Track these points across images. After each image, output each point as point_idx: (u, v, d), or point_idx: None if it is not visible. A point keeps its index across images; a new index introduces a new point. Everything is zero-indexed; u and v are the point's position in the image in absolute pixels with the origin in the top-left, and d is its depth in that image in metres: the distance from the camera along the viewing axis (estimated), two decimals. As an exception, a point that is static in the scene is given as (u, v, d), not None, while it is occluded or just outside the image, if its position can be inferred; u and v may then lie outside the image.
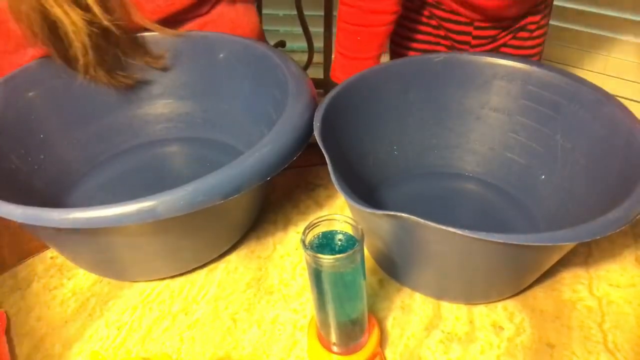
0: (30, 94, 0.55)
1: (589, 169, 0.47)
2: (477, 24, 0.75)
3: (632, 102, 1.14)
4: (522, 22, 0.77)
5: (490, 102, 0.53)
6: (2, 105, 0.52)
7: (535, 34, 0.79)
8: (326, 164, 0.40)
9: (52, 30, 0.52)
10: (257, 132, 0.57)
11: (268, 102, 0.55)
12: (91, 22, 0.52)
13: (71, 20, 0.51)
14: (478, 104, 0.54)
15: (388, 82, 0.53)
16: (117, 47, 0.56)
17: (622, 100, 0.46)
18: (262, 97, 0.56)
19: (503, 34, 0.77)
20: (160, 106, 0.63)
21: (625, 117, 0.45)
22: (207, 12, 0.63)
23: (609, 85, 1.15)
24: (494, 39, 0.77)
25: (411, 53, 0.83)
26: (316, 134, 0.44)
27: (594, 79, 0.98)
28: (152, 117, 0.63)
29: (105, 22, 0.52)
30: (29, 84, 0.55)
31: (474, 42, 0.77)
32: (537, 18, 0.76)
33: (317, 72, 1.15)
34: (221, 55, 0.59)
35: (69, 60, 0.55)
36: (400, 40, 0.84)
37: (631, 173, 0.41)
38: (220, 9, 0.64)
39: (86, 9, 0.51)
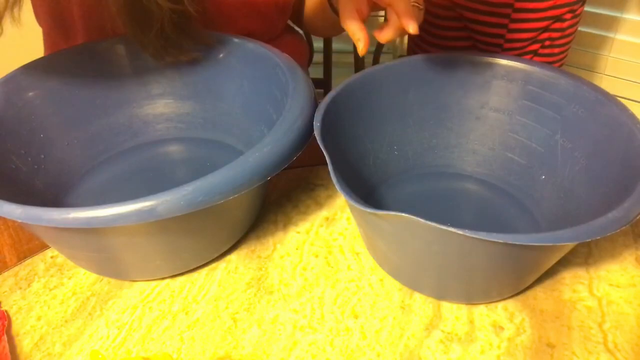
0: (30, 94, 0.55)
1: (589, 169, 0.47)
2: (511, 25, 0.74)
3: (632, 102, 1.14)
4: (550, 33, 0.76)
5: (490, 102, 0.54)
6: (2, 105, 0.52)
7: (561, 41, 0.78)
8: (326, 164, 0.40)
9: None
10: (257, 132, 0.57)
11: (268, 102, 0.55)
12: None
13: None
14: (478, 104, 0.54)
15: (388, 82, 0.53)
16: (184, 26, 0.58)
17: (622, 100, 0.46)
18: (262, 97, 0.56)
19: (533, 42, 0.76)
20: (160, 106, 0.63)
21: (625, 117, 0.45)
22: (276, 38, 0.73)
23: (609, 85, 1.15)
24: (526, 45, 0.76)
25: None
26: (316, 134, 0.44)
27: (594, 79, 0.98)
28: (152, 117, 0.63)
29: (190, 9, 0.54)
30: (29, 84, 0.55)
31: (506, 45, 0.76)
32: (563, 25, 0.75)
33: (317, 72, 1.15)
34: (221, 55, 0.59)
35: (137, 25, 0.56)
36: (425, 46, 0.84)
37: (631, 173, 0.41)
38: (287, 37, 0.75)
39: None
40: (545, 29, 0.76)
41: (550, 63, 0.80)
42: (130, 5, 0.53)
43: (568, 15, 0.76)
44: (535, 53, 0.79)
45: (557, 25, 0.76)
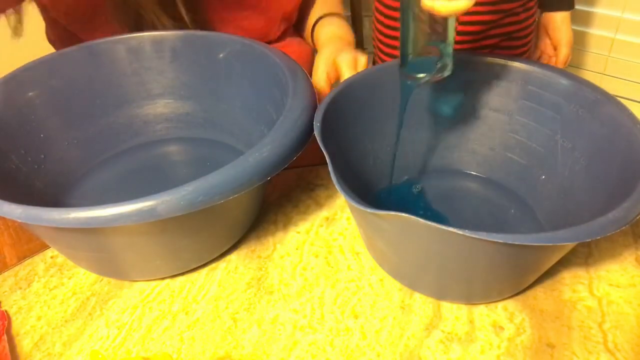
0: (30, 94, 0.55)
1: (589, 169, 0.47)
2: (462, 18, 0.75)
3: (632, 102, 1.14)
4: (505, 28, 0.78)
5: (490, 102, 0.53)
6: (2, 105, 0.52)
7: (520, 34, 0.81)
8: (326, 164, 0.40)
9: None
10: (257, 132, 0.57)
11: (268, 102, 0.55)
12: None
13: None
14: (478, 104, 0.54)
15: (388, 82, 0.52)
16: None
17: (622, 100, 0.46)
18: (262, 97, 0.56)
19: (488, 36, 0.78)
20: (160, 106, 0.63)
21: (625, 117, 0.45)
22: (276, 41, 0.74)
23: (609, 85, 1.15)
24: (479, 38, 0.78)
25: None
26: (316, 133, 0.44)
27: (594, 79, 0.99)
28: (152, 117, 0.63)
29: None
30: (29, 84, 0.55)
31: (459, 38, 0.77)
32: (519, 18, 0.78)
33: (317, 72, 1.15)
34: (221, 55, 0.59)
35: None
36: (384, 46, 0.85)
37: (631, 173, 0.41)
38: (292, 40, 0.78)
39: None
40: (499, 24, 0.78)
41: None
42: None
43: (519, 9, 0.79)
44: (495, 47, 0.80)
45: (512, 19, 0.79)
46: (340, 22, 0.76)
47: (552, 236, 0.34)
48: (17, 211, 0.38)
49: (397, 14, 0.79)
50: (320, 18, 0.77)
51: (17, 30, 0.59)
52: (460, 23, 0.77)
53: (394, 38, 0.82)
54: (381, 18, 0.83)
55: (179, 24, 0.61)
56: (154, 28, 0.60)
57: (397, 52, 0.81)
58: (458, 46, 0.78)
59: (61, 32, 0.70)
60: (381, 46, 0.86)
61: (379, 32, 0.85)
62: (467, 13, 0.76)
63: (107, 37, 0.59)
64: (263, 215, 0.55)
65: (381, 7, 0.82)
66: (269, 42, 0.75)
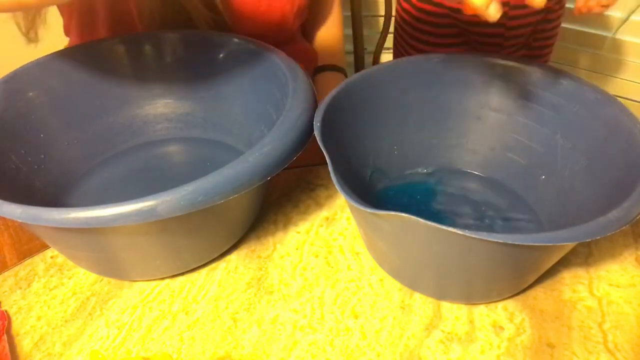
0: (30, 94, 0.55)
1: (589, 169, 0.47)
2: (509, 23, 0.75)
3: (632, 102, 1.14)
4: (539, 26, 0.78)
5: (490, 102, 0.53)
6: (2, 105, 0.52)
7: (551, 34, 0.81)
8: (326, 164, 0.40)
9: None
10: (257, 132, 0.57)
11: (268, 102, 0.55)
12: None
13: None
14: (478, 104, 0.54)
15: (388, 82, 0.53)
16: None
17: (622, 100, 0.46)
18: (262, 97, 0.56)
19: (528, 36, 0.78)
20: (160, 106, 0.63)
21: (625, 117, 0.45)
22: (287, 43, 0.76)
23: (609, 85, 1.15)
24: (524, 40, 0.78)
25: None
26: (316, 133, 0.44)
27: (594, 79, 0.99)
28: (152, 117, 0.63)
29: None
30: (29, 84, 0.55)
31: (506, 43, 0.77)
32: (553, 16, 0.78)
33: (317, 72, 1.15)
34: (221, 55, 0.59)
35: None
36: (413, 49, 0.84)
37: (631, 173, 0.41)
38: (298, 44, 0.80)
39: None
40: (539, 22, 0.78)
41: (540, 56, 0.82)
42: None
43: (557, 7, 0.79)
44: (528, 47, 0.80)
45: (549, 16, 0.79)
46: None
47: (552, 236, 0.34)
48: (17, 211, 0.38)
49: (429, 7, 0.78)
50: (323, 69, 0.78)
51: (30, 35, 0.59)
52: (512, 28, 0.77)
53: (423, 32, 0.81)
54: (408, 12, 0.81)
55: (214, 14, 0.63)
56: (189, 18, 0.62)
57: (426, 47, 0.81)
58: (508, 51, 0.78)
59: (78, 22, 0.71)
60: (411, 41, 0.84)
61: (405, 23, 0.83)
62: (518, 17, 0.76)
63: (107, 37, 0.59)
64: (263, 215, 0.55)
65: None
66: (281, 42, 0.75)
